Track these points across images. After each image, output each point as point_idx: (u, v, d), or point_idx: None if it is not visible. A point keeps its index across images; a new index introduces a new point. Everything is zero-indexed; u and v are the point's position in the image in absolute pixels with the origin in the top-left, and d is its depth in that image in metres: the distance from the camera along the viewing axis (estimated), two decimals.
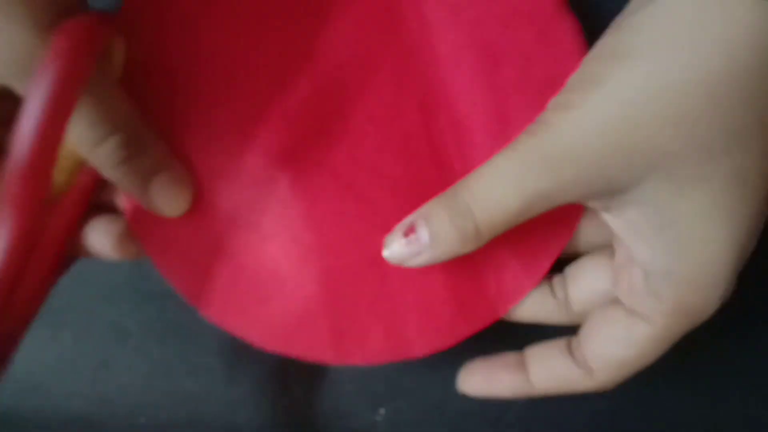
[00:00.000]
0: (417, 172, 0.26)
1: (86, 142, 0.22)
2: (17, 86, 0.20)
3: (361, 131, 0.26)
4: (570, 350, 0.25)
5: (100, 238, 0.25)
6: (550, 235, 0.26)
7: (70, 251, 0.25)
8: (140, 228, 0.25)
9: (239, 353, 0.30)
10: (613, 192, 0.21)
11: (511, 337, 0.27)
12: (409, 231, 0.23)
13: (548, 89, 0.24)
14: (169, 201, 0.25)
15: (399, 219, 0.24)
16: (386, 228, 0.24)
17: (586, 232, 0.27)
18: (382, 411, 0.31)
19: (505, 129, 0.26)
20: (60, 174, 0.23)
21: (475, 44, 0.26)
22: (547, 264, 0.26)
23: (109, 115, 0.22)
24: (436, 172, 0.26)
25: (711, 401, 0.31)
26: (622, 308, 0.24)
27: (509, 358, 0.27)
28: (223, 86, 0.25)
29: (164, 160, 0.24)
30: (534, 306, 0.27)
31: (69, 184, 0.23)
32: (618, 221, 0.23)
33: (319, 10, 0.26)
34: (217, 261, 0.26)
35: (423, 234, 0.23)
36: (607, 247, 0.26)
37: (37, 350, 0.31)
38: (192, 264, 0.26)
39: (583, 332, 0.25)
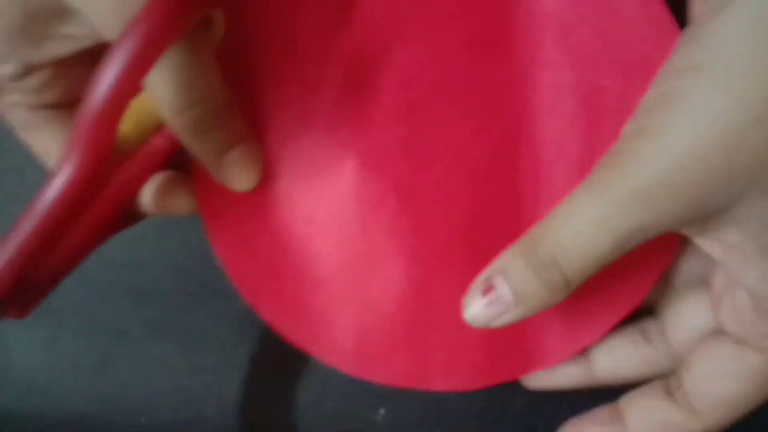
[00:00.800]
0: (482, 204, 0.25)
1: (170, 106, 0.21)
2: (110, 35, 0.20)
3: (435, 149, 0.25)
4: (669, 392, 0.23)
5: (147, 189, 0.25)
6: (608, 298, 0.25)
7: (133, 211, 0.25)
8: (206, 203, 0.25)
9: (239, 353, 0.30)
10: (710, 215, 0.19)
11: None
12: (488, 289, 0.21)
13: None
14: (240, 175, 0.24)
15: (451, 247, 0.23)
16: (435, 254, 0.23)
17: (679, 271, 0.25)
18: (382, 411, 0.31)
19: None
20: (133, 130, 0.23)
21: (580, 86, 0.24)
22: (597, 333, 0.25)
23: (200, 84, 0.21)
24: (502, 209, 0.25)
25: None
26: (728, 339, 0.22)
27: (603, 413, 0.25)
28: (311, 70, 0.25)
29: (242, 135, 0.24)
30: (622, 359, 0.25)
31: (140, 142, 0.23)
32: (716, 245, 0.21)
33: (434, 22, 0.25)
34: (276, 257, 0.26)
35: (504, 292, 0.21)
36: (699, 285, 0.24)
37: (37, 350, 0.31)
38: (253, 257, 0.26)
39: (685, 370, 0.23)
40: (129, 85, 0.19)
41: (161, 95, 0.21)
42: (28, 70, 0.22)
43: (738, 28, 0.18)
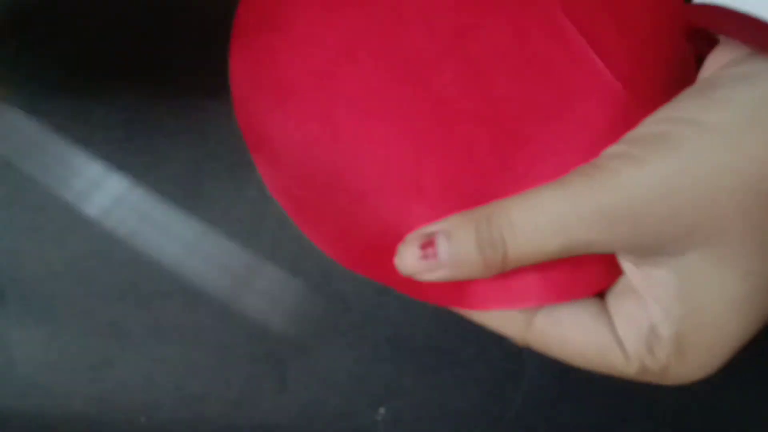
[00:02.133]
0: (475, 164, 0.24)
1: None
2: None
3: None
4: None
5: None
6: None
7: None
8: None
9: (239, 353, 0.30)
10: (656, 253, 0.21)
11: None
12: (427, 244, 0.22)
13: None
14: None
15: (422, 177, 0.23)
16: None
17: None
18: (382, 411, 0.31)
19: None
20: None
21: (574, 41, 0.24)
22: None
23: None
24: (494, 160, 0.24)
25: (712, 403, 0.31)
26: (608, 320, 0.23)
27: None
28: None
29: None
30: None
31: None
32: (640, 277, 0.22)
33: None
34: (327, 190, 0.24)
35: (443, 252, 0.21)
36: None
37: (37, 350, 0.31)
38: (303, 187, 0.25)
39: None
40: None
41: None
42: None
43: (745, 107, 0.19)
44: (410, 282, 0.24)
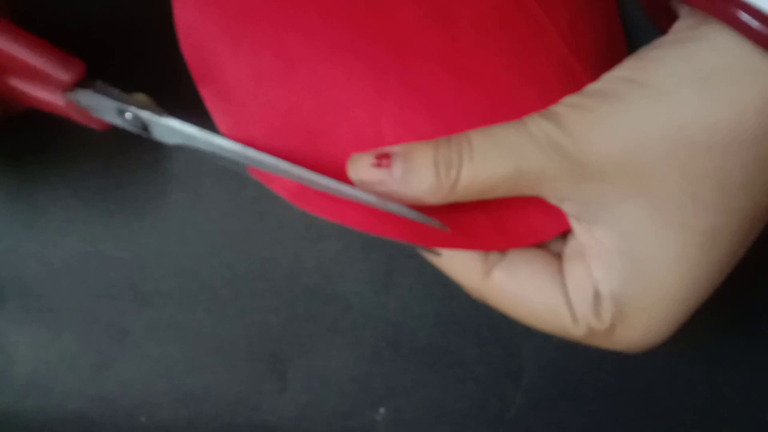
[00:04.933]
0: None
1: None
2: None
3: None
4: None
5: None
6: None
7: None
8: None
9: (239, 353, 0.31)
10: (593, 203, 0.22)
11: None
12: (382, 157, 0.22)
13: None
14: None
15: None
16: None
17: None
18: (382, 411, 0.31)
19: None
20: None
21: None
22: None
23: None
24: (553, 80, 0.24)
25: (712, 402, 0.31)
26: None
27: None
28: None
29: None
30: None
31: None
32: (585, 235, 0.23)
33: None
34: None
35: (397, 169, 0.22)
36: None
37: (37, 350, 0.31)
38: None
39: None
40: None
41: None
42: None
43: (681, 66, 0.21)
44: (367, 217, 0.23)
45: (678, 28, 0.23)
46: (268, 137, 0.23)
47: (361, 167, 0.22)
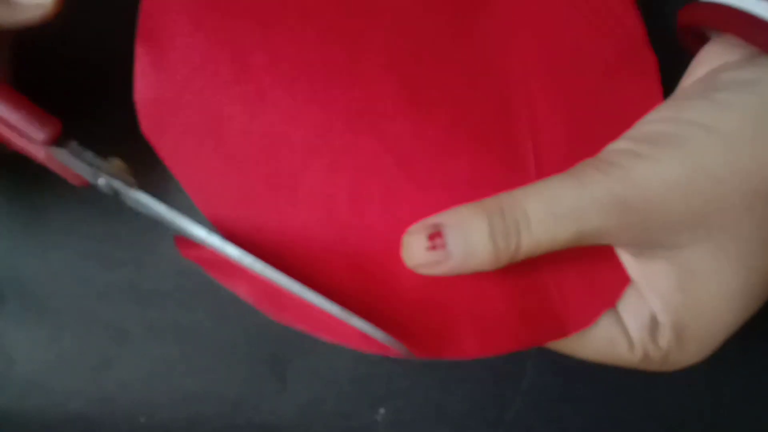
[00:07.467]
0: (486, 165, 0.24)
1: None
2: None
3: (429, 106, 0.24)
4: None
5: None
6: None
7: None
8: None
9: (239, 353, 0.30)
10: (658, 246, 0.21)
11: None
12: (434, 236, 0.21)
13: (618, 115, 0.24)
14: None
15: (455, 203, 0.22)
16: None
17: None
18: (382, 411, 0.31)
19: (578, 144, 0.24)
20: None
21: (553, 52, 0.25)
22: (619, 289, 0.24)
23: None
24: (505, 170, 0.24)
25: (711, 402, 0.31)
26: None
27: None
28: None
29: None
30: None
31: None
32: (639, 269, 0.23)
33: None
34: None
35: (455, 245, 0.21)
36: None
37: (37, 350, 0.31)
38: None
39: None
40: None
41: None
42: None
43: (747, 110, 0.20)
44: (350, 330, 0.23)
45: (734, 63, 0.22)
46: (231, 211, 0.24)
47: (416, 252, 0.22)
